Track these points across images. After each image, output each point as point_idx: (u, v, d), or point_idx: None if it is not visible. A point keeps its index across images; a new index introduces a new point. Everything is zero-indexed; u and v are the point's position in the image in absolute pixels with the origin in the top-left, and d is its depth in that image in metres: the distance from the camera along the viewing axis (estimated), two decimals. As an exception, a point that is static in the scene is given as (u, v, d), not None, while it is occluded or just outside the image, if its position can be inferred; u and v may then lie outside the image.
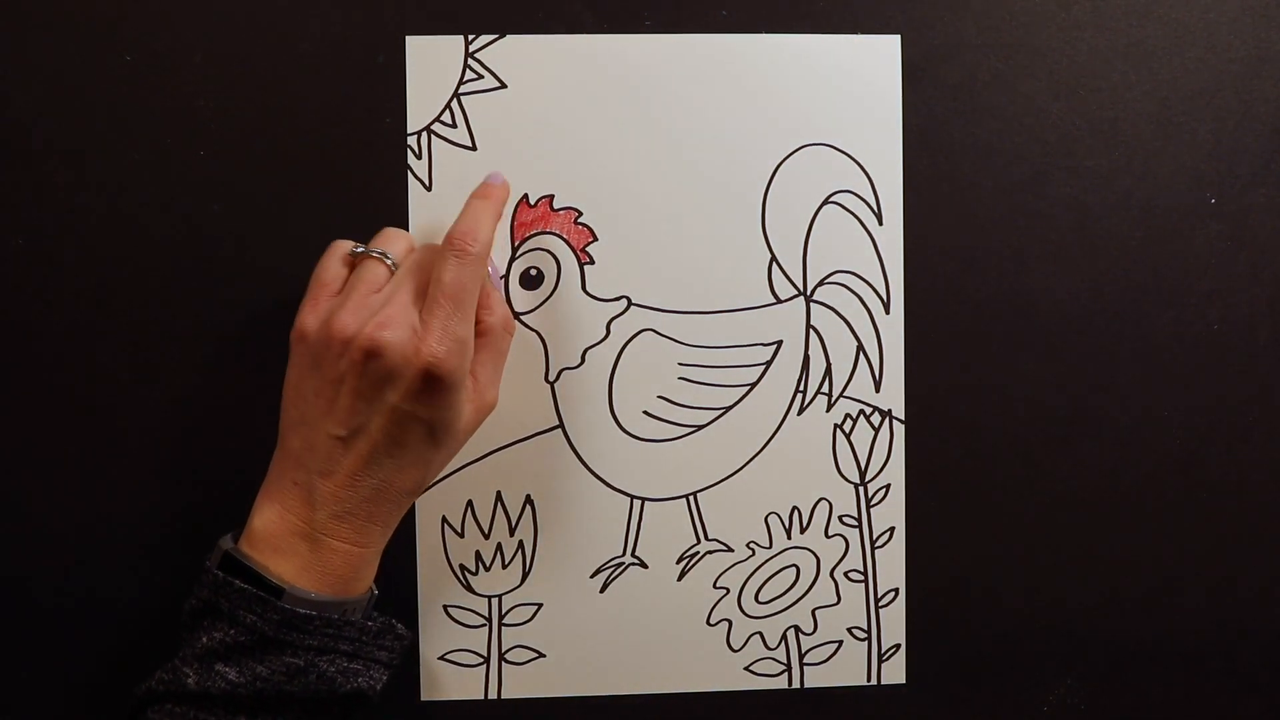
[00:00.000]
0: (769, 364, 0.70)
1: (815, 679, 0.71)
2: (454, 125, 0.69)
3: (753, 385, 0.70)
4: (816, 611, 0.71)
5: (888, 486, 0.71)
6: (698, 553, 0.70)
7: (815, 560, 0.71)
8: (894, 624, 0.71)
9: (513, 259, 0.69)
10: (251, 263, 0.68)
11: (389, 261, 0.63)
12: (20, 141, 0.67)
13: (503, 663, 0.70)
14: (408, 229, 0.68)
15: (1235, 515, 0.71)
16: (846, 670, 0.71)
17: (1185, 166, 0.70)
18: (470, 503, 0.69)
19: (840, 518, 0.71)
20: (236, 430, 0.68)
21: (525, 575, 0.70)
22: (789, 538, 0.71)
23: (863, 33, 0.69)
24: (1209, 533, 0.71)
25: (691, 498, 0.70)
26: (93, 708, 0.69)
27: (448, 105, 0.69)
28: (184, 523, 0.69)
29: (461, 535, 0.70)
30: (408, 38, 0.68)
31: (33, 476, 0.68)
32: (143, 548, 0.69)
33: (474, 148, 0.69)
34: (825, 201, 0.70)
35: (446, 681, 0.70)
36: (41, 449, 0.68)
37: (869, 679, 0.71)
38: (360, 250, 0.63)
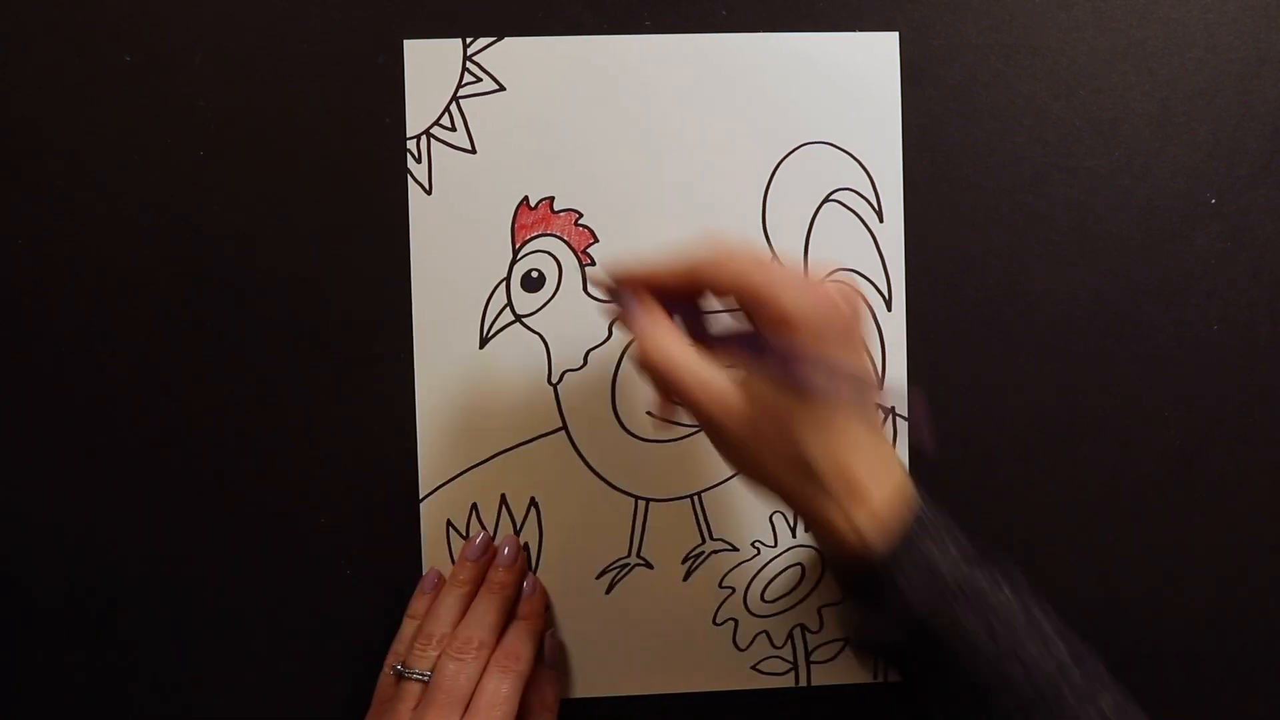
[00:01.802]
0: (771, 364, 0.70)
1: (822, 677, 0.71)
2: (453, 128, 0.69)
3: (754, 385, 0.70)
4: (822, 610, 0.71)
5: (889, 486, 0.71)
6: (703, 552, 0.70)
7: (820, 559, 0.71)
8: (897, 623, 0.72)
9: (513, 262, 0.69)
10: (252, 263, 0.68)
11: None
12: (20, 141, 0.67)
13: (506, 664, 0.70)
14: (407, 232, 0.68)
15: (1235, 515, 0.72)
16: (853, 668, 0.71)
17: (1185, 167, 0.70)
18: (475, 505, 0.69)
19: (843, 517, 0.71)
20: (236, 429, 0.68)
21: (530, 577, 0.70)
22: (794, 536, 0.71)
23: (861, 30, 0.69)
24: (1209, 532, 0.71)
25: (696, 498, 0.70)
26: (92, 708, 0.69)
27: (446, 108, 0.68)
28: (183, 522, 0.68)
29: (466, 538, 0.69)
30: (406, 41, 0.68)
31: (32, 476, 0.68)
32: (141, 547, 0.68)
33: (473, 150, 0.69)
34: (826, 199, 0.70)
35: (449, 684, 0.70)
36: (41, 448, 0.68)
37: (875, 676, 0.71)
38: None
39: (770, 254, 0.62)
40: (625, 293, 0.59)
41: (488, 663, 0.64)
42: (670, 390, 0.57)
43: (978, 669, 0.54)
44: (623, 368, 0.69)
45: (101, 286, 0.68)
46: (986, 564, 0.56)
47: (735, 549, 0.71)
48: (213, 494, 0.68)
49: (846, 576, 0.58)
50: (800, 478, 0.55)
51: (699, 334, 0.59)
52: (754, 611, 0.71)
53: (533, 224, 0.69)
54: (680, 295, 0.59)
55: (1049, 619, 0.55)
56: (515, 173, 0.69)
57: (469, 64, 0.69)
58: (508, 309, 0.69)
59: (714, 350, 0.58)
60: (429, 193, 0.68)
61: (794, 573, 0.71)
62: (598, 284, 0.65)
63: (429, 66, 0.68)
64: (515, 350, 0.69)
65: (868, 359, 0.58)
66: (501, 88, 0.69)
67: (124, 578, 0.68)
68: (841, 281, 0.60)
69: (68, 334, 0.67)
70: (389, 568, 0.69)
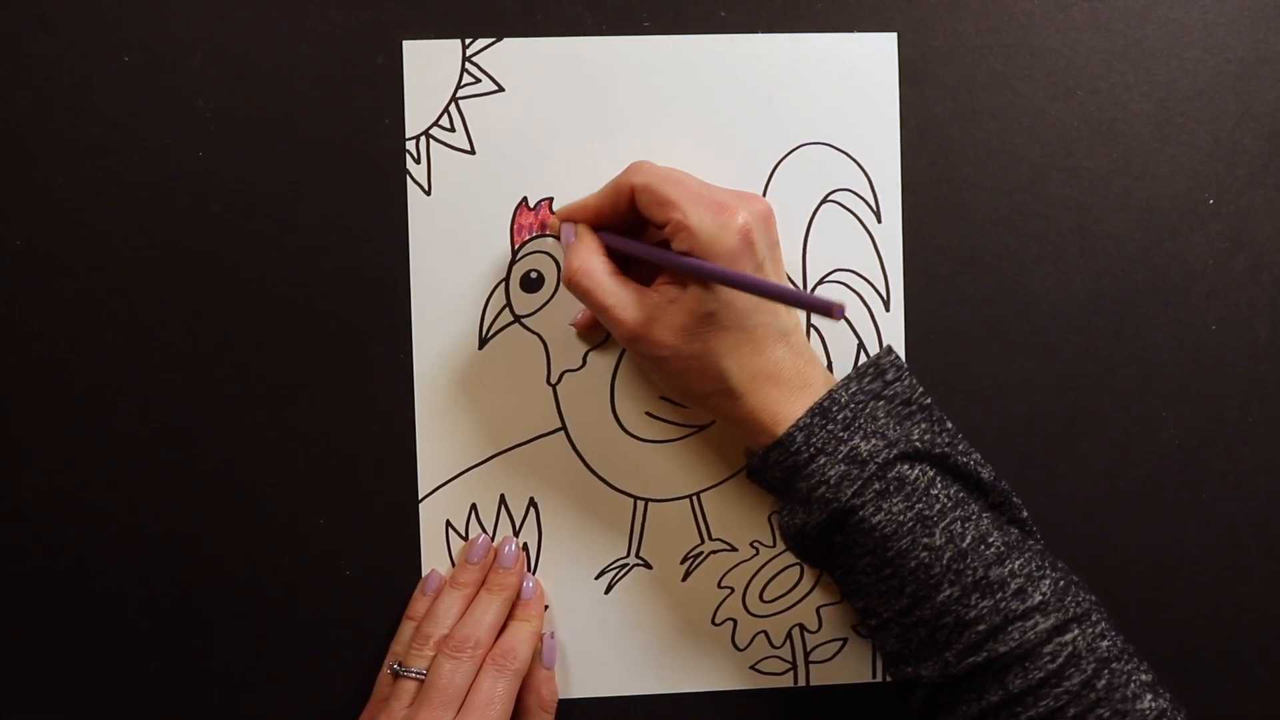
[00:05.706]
0: (770, 364, 0.70)
1: (821, 677, 0.71)
2: (452, 129, 0.69)
3: (754, 386, 0.70)
4: (821, 610, 0.71)
5: (889, 486, 0.71)
6: (702, 553, 0.70)
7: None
8: (896, 624, 0.72)
9: (513, 262, 0.69)
10: (251, 264, 0.68)
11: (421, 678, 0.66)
12: (20, 141, 0.67)
13: (505, 665, 0.70)
14: (407, 233, 0.68)
15: (1234, 515, 0.71)
16: (851, 668, 0.71)
17: (1184, 167, 0.70)
18: (474, 506, 0.69)
19: (842, 518, 0.71)
20: (236, 429, 0.68)
21: (528, 577, 0.70)
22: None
23: (860, 31, 0.69)
24: (1208, 532, 0.71)
25: (694, 498, 0.70)
26: (91, 707, 0.69)
27: (445, 109, 0.68)
28: (183, 521, 0.68)
29: (466, 539, 0.69)
30: (405, 42, 0.68)
31: (30, 476, 0.68)
32: (140, 547, 0.68)
33: (472, 151, 0.69)
34: (824, 200, 0.70)
35: (448, 684, 0.70)
36: (39, 448, 0.68)
37: (874, 676, 0.71)
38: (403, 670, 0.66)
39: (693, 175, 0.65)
40: (566, 226, 0.66)
41: (484, 662, 0.64)
42: (590, 305, 0.63)
43: (897, 555, 0.60)
44: (622, 368, 0.69)
45: (101, 287, 0.68)
46: (923, 461, 0.61)
47: (734, 549, 0.70)
48: (212, 494, 0.68)
49: (772, 472, 0.63)
50: (721, 394, 0.62)
51: (631, 261, 0.65)
52: (753, 611, 0.71)
53: (532, 224, 0.69)
54: (618, 223, 0.65)
55: (999, 526, 0.62)
56: (514, 173, 0.69)
57: (468, 65, 0.69)
58: (507, 309, 0.69)
59: (653, 278, 0.64)
60: (428, 193, 0.69)
61: (793, 573, 0.71)
62: (552, 228, 0.69)
63: (428, 67, 0.68)
64: (514, 350, 0.69)
65: (768, 273, 0.62)
66: (500, 89, 0.69)
67: (123, 578, 0.68)
68: (753, 196, 0.63)
69: (67, 334, 0.67)
70: (389, 568, 0.69)
